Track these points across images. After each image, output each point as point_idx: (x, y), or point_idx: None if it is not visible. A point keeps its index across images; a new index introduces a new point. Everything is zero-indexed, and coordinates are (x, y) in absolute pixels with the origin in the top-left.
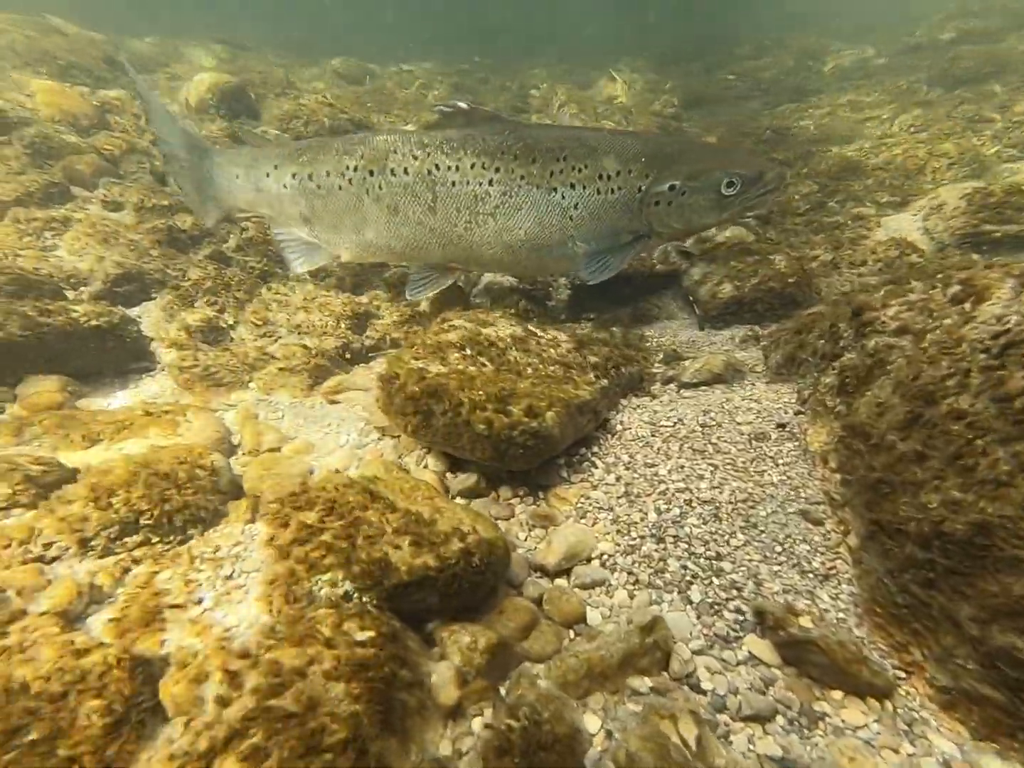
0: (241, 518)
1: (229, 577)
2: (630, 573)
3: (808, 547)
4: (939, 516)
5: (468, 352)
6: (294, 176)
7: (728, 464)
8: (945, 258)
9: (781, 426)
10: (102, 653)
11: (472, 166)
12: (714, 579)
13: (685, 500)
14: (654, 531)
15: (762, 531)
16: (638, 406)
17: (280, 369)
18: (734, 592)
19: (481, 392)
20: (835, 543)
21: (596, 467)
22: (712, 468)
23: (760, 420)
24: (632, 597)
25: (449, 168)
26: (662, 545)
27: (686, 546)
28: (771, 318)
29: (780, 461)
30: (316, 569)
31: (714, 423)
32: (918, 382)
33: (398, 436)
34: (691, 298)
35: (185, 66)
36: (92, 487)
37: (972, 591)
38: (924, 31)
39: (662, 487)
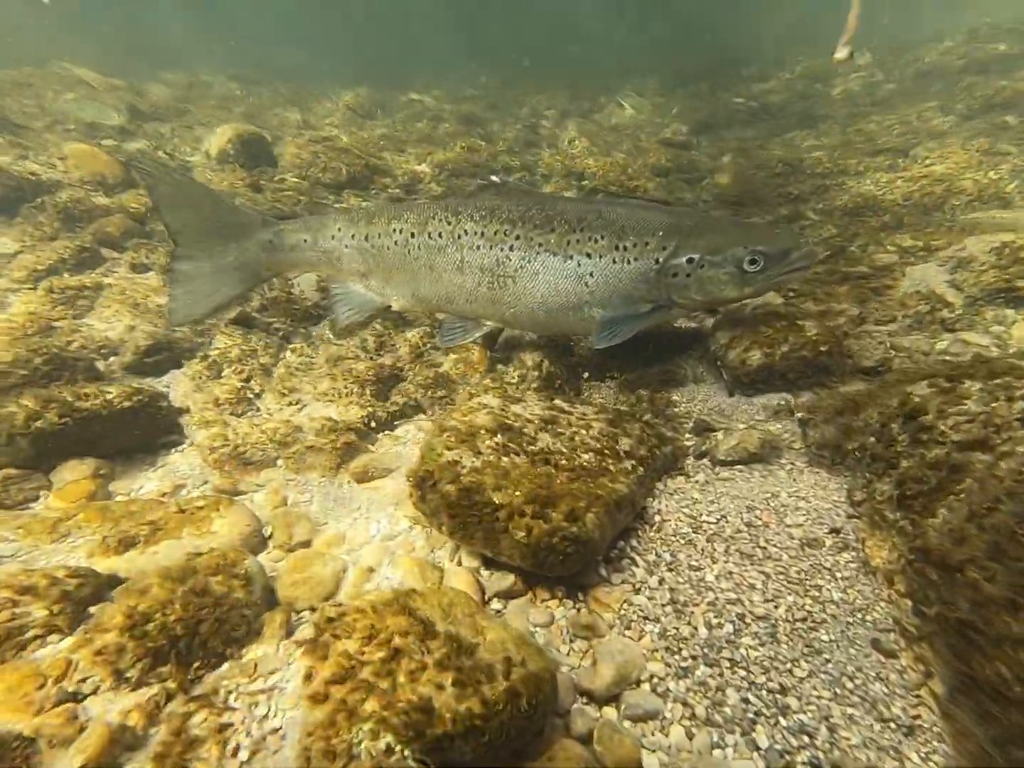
0: (276, 634)
1: (264, 718)
2: (685, 704)
3: (884, 687)
4: None
5: (500, 439)
6: (353, 237)
7: (780, 573)
8: (978, 313)
9: (835, 531)
10: None
11: (496, 232)
12: (780, 719)
13: (737, 614)
14: (707, 651)
15: (828, 660)
16: (675, 491)
17: (309, 447)
18: (805, 739)
19: (518, 493)
20: (915, 684)
21: (637, 566)
22: (764, 577)
23: (811, 523)
24: (691, 737)
25: (475, 233)
26: (717, 670)
27: (744, 673)
28: (804, 386)
29: (838, 575)
30: (356, 716)
31: (760, 523)
32: (997, 515)
33: (429, 527)
34: (719, 363)
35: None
36: (128, 613)
37: None
38: (933, 57)
39: (710, 596)
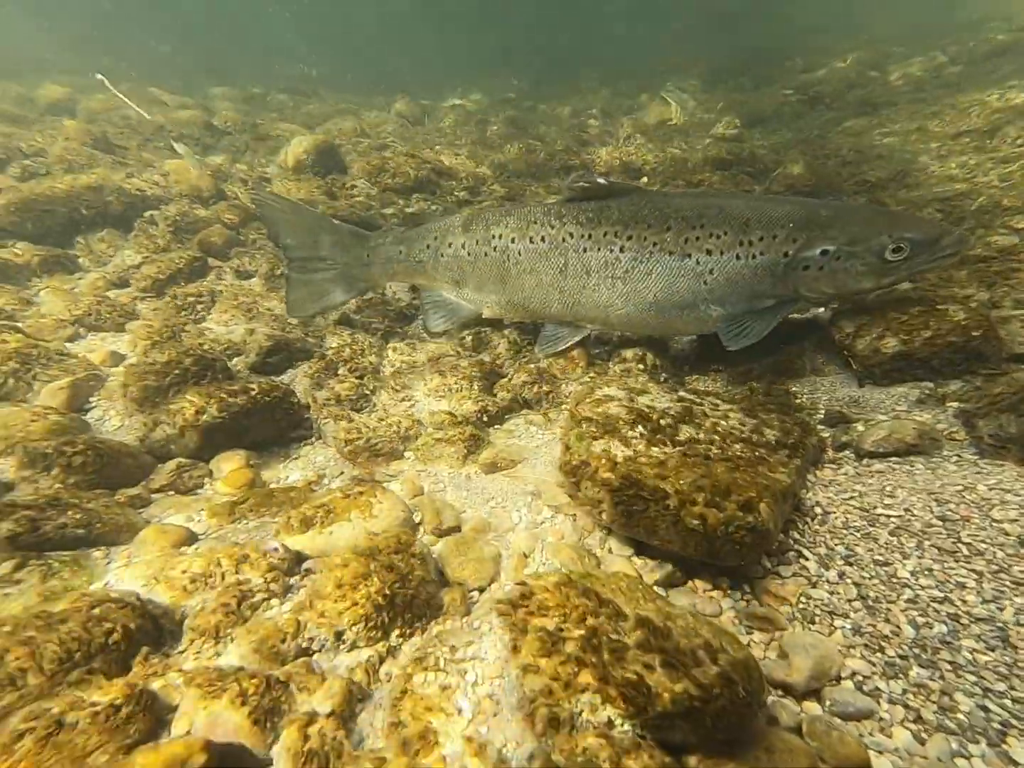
0: (458, 610)
1: (476, 684)
2: (906, 707)
3: None
4: None
5: (642, 430)
6: (450, 246)
7: (998, 572)
8: None
9: None
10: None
11: (604, 234)
12: None
13: (949, 615)
14: (918, 652)
15: None
16: (829, 483)
17: (437, 440)
18: None
19: (683, 482)
20: None
21: (806, 559)
22: (975, 576)
23: None
24: (923, 742)
25: (582, 236)
26: (936, 673)
27: (975, 679)
28: (950, 375)
29: None
30: (572, 688)
31: (958, 517)
32: None
33: (573, 515)
34: (845, 352)
35: (271, 126)
36: (338, 583)
37: None
38: (1005, 35)
39: (908, 593)
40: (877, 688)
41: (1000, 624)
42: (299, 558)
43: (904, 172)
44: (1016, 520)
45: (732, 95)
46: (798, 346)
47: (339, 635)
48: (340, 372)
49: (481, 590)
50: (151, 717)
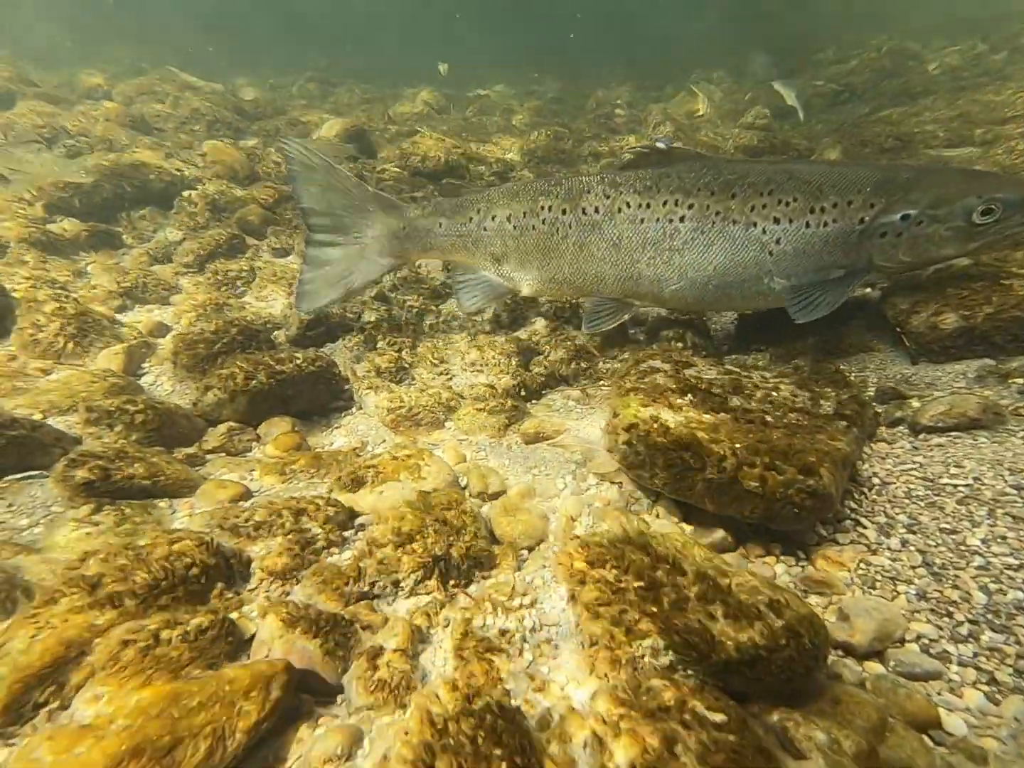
0: (510, 565)
1: (534, 630)
2: (978, 669)
3: None
4: None
5: (691, 398)
6: (494, 219)
7: None
8: None
9: None
10: (459, 699)
11: (664, 203)
12: None
13: None
14: (991, 617)
15: None
16: (886, 456)
17: (479, 410)
18: None
19: (739, 446)
20: None
21: (864, 527)
22: None
23: None
24: (997, 703)
25: (639, 205)
26: (1012, 637)
27: None
28: (1014, 351)
29: None
30: (634, 634)
31: None
32: None
33: (619, 483)
34: (898, 329)
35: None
36: (396, 532)
37: None
38: None
39: (979, 560)
40: (945, 651)
41: None
42: (352, 514)
43: (945, 159)
44: None
45: (761, 87)
46: (845, 325)
47: (397, 583)
48: (379, 346)
49: (530, 549)
50: (233, 641)
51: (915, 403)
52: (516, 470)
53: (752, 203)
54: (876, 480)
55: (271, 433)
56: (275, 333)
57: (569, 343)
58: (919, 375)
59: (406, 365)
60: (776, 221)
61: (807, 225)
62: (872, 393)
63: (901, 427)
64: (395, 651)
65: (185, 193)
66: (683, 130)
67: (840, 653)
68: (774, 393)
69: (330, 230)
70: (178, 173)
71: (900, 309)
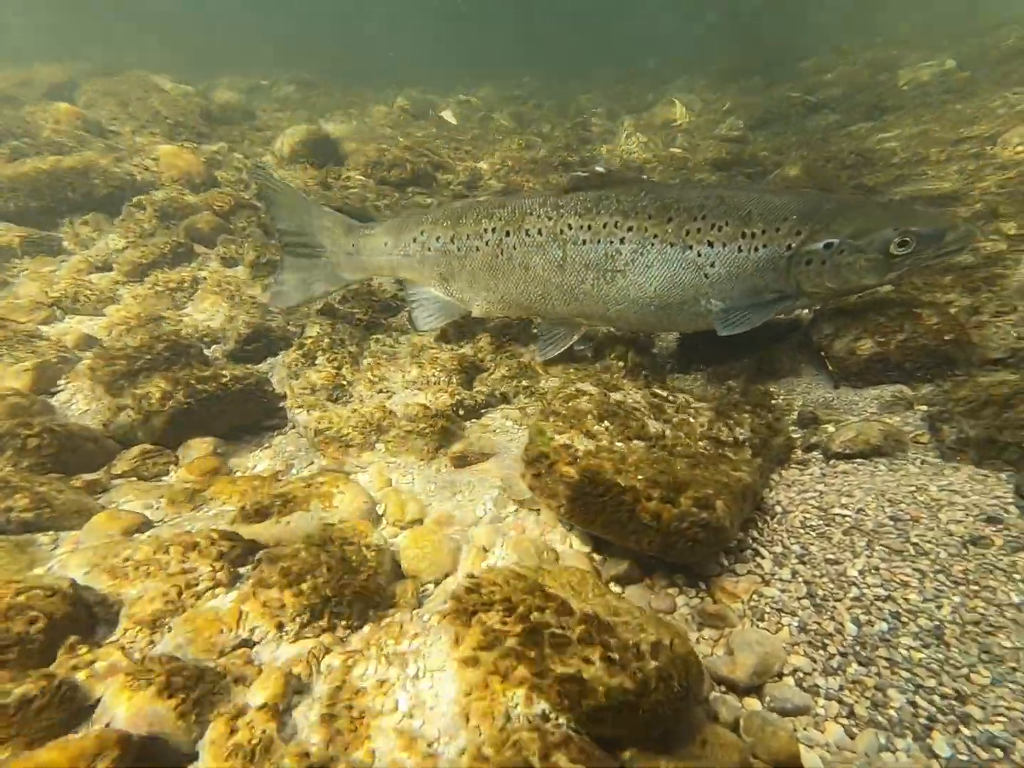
0: (409, 603)
1: (416, 677)
2: (840, 702)
3: None
4: None
5: (609, 424)
6: (438, 239)
7: (939, 572)
8: None
9: (993, 520)
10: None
11: (604, 225)
12: (961, 728)
13: (891, 613)
14: (858, 649)
15: (1015, 669)
16: (792, 483)
17: (408, 432)
18: (997, 752)
19: (641, 477)
20: None
21: (762, 556)
22: (919, 575)
23: (973, 520)
24: (852, 736)
25: (580, 228)
26: (873, 669)
27: (908, 675)
28: (921, 378)
29: (1017, 576)
30: (508, 681)
31: (909, 517)
32: None
33: (537, 510)
34: (822, 354)
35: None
36: (285, 572)
37: None
38: (1013, 42)
39: (854, 592)
40: (816, 684)
41: (937, 622)
42: (253, 547)
43: (903, 177)
44: (961, 521)
45: (741, 96)
46: (778, 347)
47: (281, 626)
48: (319, 362)
49: (437, 583)
50: (69, 709)
51: (830, 428)
52: (441, 495)
53: (687, 227)
54: (779, 508)
55: (189, 456)
56: (213, 347)
57: (513, 360)
58: (839, 400)
59: (344, 382)
60: (710, 245)
61: (739, 249)
62: (795, 417)
63: (816, 452)
64: (261, 708)
65: (135, 199)
66: (654, 140)
67: (723, 689)
68: (692, 420)
69: (300, 245)
70: (128, 178)
71: (824, 334)
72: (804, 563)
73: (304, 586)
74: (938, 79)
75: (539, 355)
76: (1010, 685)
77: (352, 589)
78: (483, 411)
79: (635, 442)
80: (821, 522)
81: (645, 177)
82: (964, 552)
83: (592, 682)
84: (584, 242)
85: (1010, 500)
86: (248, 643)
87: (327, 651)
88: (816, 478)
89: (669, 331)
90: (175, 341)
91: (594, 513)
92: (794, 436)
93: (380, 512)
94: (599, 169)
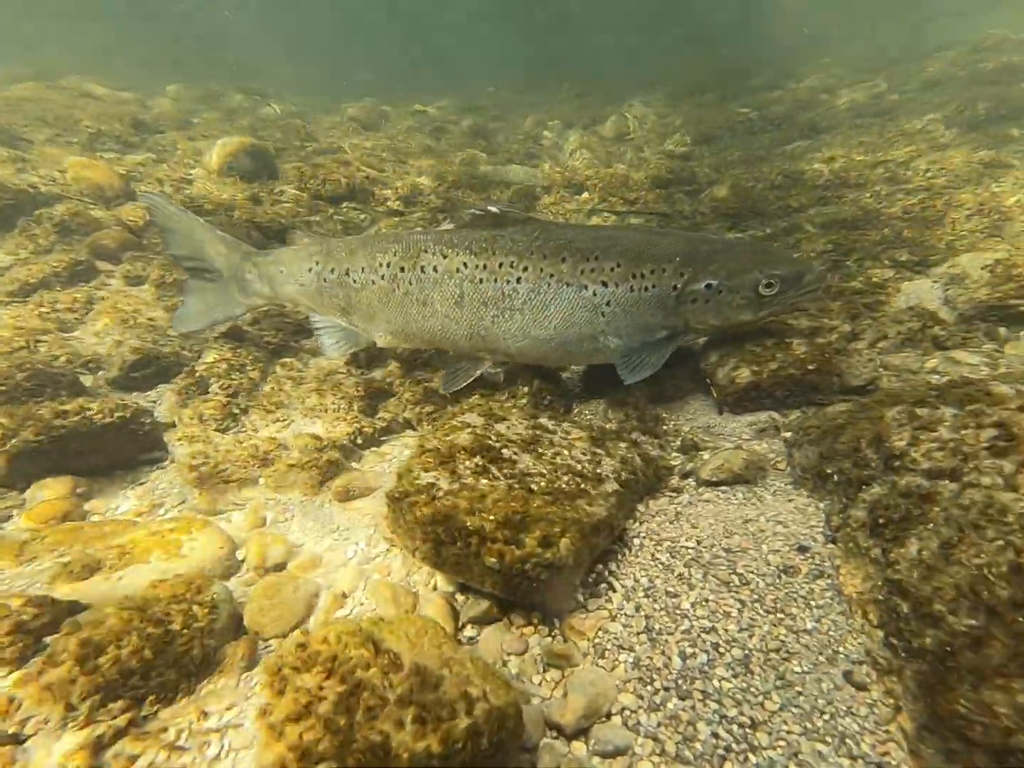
0: (237, 665)
1: (216, 759)
2: (656, 740)
3: (855, 722)
4: (1007, 726)
5: (479, 461)
6: (333, 271)
7: (756, 601)
8: (970, 331)
9: (811, 558)
10: None
11: (500, 264)
12: (750, 755)
13: (712, 644)
14: (680, 683)
15: (800, 693)
16: (657, 513)
17: (290, 466)
18: None
19: (492, 518)
20: (885, 719)
21: (615, 591)
22: (739, 605)
23: (788, 548)
24: None
25: (476, 266)
26: (689, 703)
27: (716, 706)
28: (792, 405)
29: (813, 603)
30: (308, 758)
31: (739, 548)
32: (964, 549)
33: (406, 550)
34: (708, 381)
35: (207, 120)
36: (82, 643)
37: None
38: (938, 67)
39: (686, 624)
40: (639, 723)
41: (747, 651)
42: (73, 610)
43: (823, 199)
44: (779, 551)
45: (695, 111)
46: (674, 372)
47: (70, 709)
48: (212, 389)
49: (284, 636)
50: None
51: (706, 455)
52: (319, 533)
53: (581, 267)
54: (637, 541)
55: (37, 498)
56: (99, 374)
57: (420, 387)
58: (720, 426)
59: (237, 411)
60: (604, 284)
61: (631, 289)
62: (679, 443)
63: (690, 479)
64: None
65: (36, 213)
66: (598, 156)
67: (554, 734)
68: (565, 451)
69: (200, 269)
70: (31, 190)
71: (710, 361)
72: (648, 596)
73: (103, 660)
74: (872, 101)
75: (442, 387)
76: (793, 709)
77: (168, 657)
78: (384, 439)
79: (500, 480)
80: (669, 554)
81: (586, 198)
82: (777, 581)
83: (398, 748)
84: (481, 280)
85: (820, 529)
86: (18, 738)
87: (120, 735)
88: (683, 507)
89: (572, 365)
90: (41, 370)
91: (444, 556)
92: (673, 463)
93: (240, 558)
94: (492, 209)
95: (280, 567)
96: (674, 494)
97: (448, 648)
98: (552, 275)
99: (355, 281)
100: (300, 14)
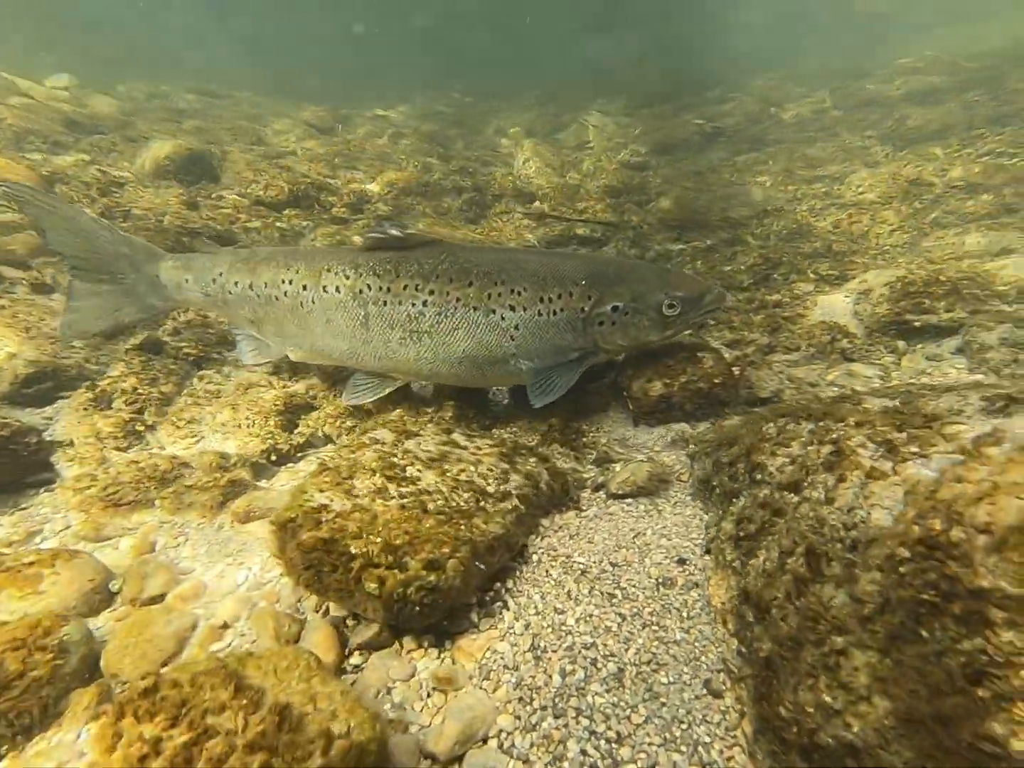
0: (81, 716)
1: None
2: (526, 761)
3: (707, 729)
4: (813, 723)
5: (378, 480)
6: (236, 284)
7: (635, 615)
8: (872, 345)
9: (687, 570)
10: None
11: (404, 287)
12: None
13: (591, 660)
14: (557, 701)
15: (664, 704)
16: (560, 527)
17: (188, 486)
18: None
19: (378, 540)
20: (733, 725)
21: (508, 609)
22: (620, 619)
23: (668, 562)
24: None
25: (380, 288)
26: (563, 721)
27: (588, 722)
28: (701, 417)
29: (684, 614)
30: None
31: (624, 562)
32: (793, 558)
33: None
34: (625, 394)
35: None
36: None
37: None
38: (876, 86)
39: (569, 640)
40: (514, 745)
41: (621, 665)
42: None
43: (764, 212)
44: (660, 563)
45: (652, 121)
46: (595, 386)
47: None
48: (115, 405)
49: (145, 677)
50: None
51: (617, 468)
52: (212, 558)
53: (488, 291)
54: (536, 557)
55: None
56: None
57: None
58: (635, 438)
59: (142, 427)
60: (512, 309)
61: (539, 313)
62: (594, 456)
63: (601, 492)
64: None
65: None
66: (552, 166)
67: (428, 764)
68: (472, 468)
69: (92, 269)
70: None
71: (627, 375)
72: (538, 614)
73: None
74: (816, 115)
75: (344, 399)
76: (656, 721)
77: None
78: (302, 455)
79: (395, 500)
80: (562, 570)
81: (538, 207)
82: (655, 594)
83: None
84: (386, 303)
85: (700, 542)
86: None
87: None
88: (587, 521)
89: (487, 387)
90: None
91: (326, 583)
92: (587, 476)
93: (116, 589)
94: (394, 232)
95: (158, 599)
96: (583, 508)
97: (318, 681)
98: (459, 299)
99: (259, 296)
100: (257, 15)
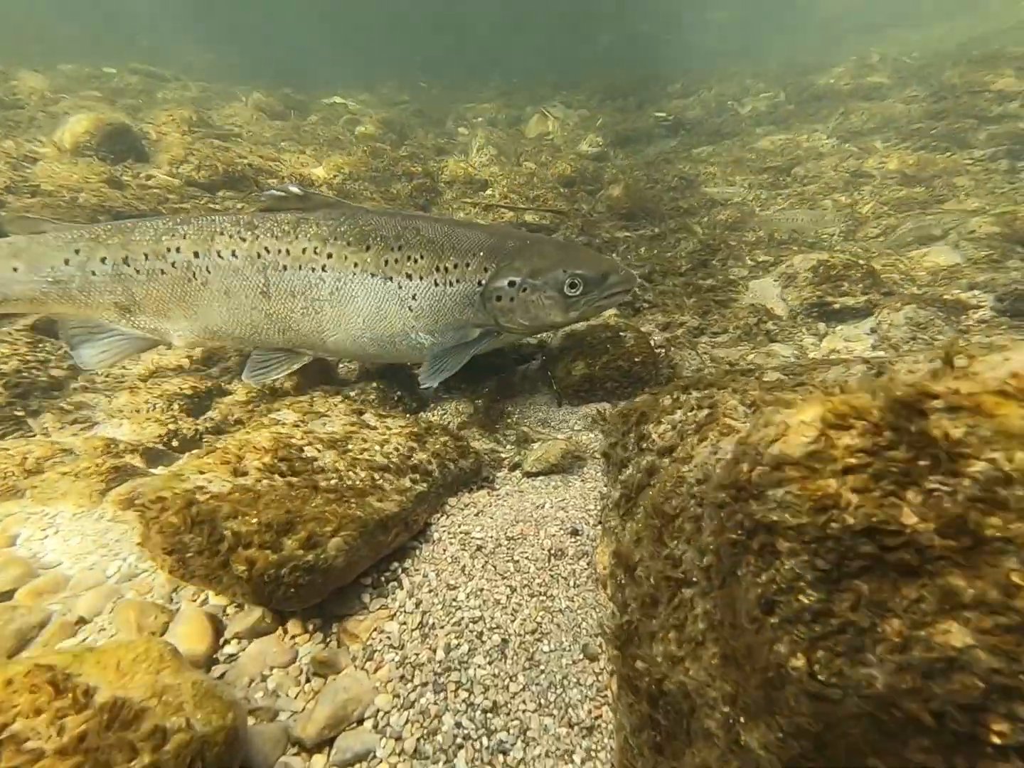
0: None
1: None
2: (399, 739)
3: (579, 691)
4: (660, 673)
5: (268, 460)
6: (104, 261)
7: (525, 586)
8: (796, 326)
9: (575, 532)
10: None
11: (304, 251)
12: (484, 739)
13: (476, 633)
14: (438, 676)
15: (543, 671)
16: (467, 505)
17: (63, 474)
18: (500, 758)
19: (254, 521)
20: (604, 685)
21: (402, 588)
22: (510, 591)
23: (563, 533)
24: None
25: (280, 252)
26: (443, 695)
27: (467, 695)
28: (622, 396)
29: (572, 583)
30: None
31: (520, 536)
32: (656, 518)
33: None
34: (549, 374)
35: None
36: None
37: (679, 764)
38: (826, 81)
39: (458, 615)
40: (389, 724)
41: (506, 636)
42: None
43: (712, 202)
44: (554, 535)
45: (615, 114)
46: (526, 366)
47: None
48: None
49: None
50: None
51: (535, 447)
52: (84, 549)
53: (385, 257)
54: (436, 535)
55: None
56: None
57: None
58: (558, 417)
59: (20, 413)
60: (409, 277)
61: (435, 283)
62: (514, 436)
63: (518, 471)
64: None
65: None
66: (506, 155)
67: (295, 750)
68: (377, 447)
69: None
70: None
71: (552, 356)
72: (431, 591)
73: None
74: (770, 109)
75: (245, 376)
76: (533, 688)
77: None
78: (207, 440)
79: (284, 478)
80: (460, 546)
81: (489, 195)
82: (546, 565)
83: None
84: (285, 268)
85: (596, 512)
86: None
87: None
88: (497, 499)
89: (396, 362)
90: None
91: (190, 567)
92: (504, 456)
93: None
94: (294, 190)
95: (5, 596)
96: (496, 487)
97: (168, 674)
98: (356, 264)
99: (138, 271)
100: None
